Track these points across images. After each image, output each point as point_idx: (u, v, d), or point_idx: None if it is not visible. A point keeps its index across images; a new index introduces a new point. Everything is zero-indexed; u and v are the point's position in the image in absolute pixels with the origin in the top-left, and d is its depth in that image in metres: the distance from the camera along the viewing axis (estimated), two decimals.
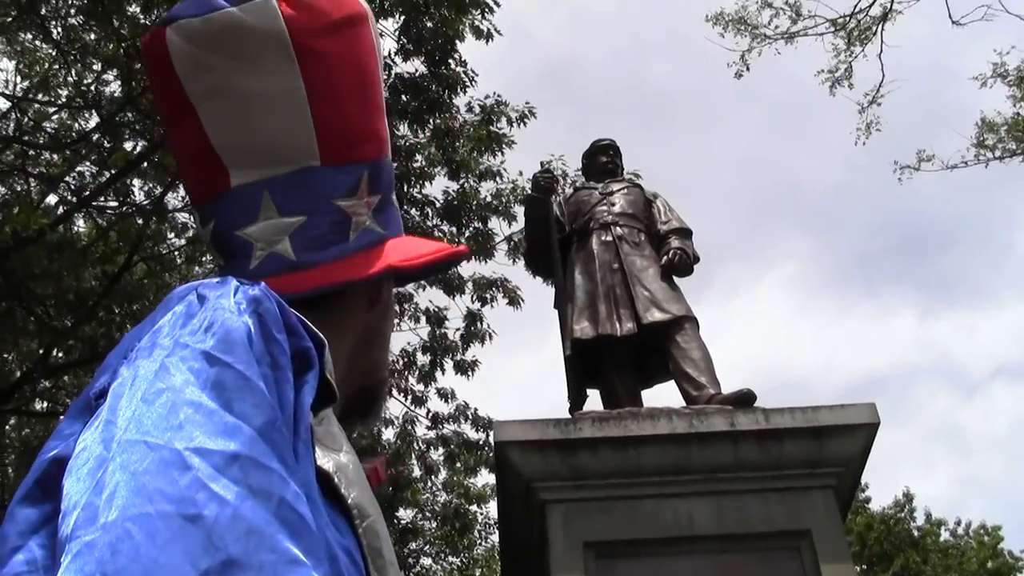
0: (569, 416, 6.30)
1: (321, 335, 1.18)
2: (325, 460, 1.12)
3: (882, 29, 17.77)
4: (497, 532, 10.49)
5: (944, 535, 32.58)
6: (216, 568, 0.81)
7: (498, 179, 14.38)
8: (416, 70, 13.04)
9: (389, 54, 12.83)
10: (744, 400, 6.22)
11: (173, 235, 15.13)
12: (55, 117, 15.33)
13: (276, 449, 0.95)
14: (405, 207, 13.58)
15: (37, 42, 14.38)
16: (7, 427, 16.87)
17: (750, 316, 62.15)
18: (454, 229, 14.11)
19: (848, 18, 18.03)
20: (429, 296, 19.00)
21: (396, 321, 15.24)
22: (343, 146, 1.52)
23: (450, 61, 12.84)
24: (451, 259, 1.62)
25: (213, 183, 1.51)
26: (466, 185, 14.12)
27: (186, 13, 1.45)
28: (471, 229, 14.19)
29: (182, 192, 13.06)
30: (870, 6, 17.78)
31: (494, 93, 13.93)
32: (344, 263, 1.46)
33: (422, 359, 15.10)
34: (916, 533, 31.74)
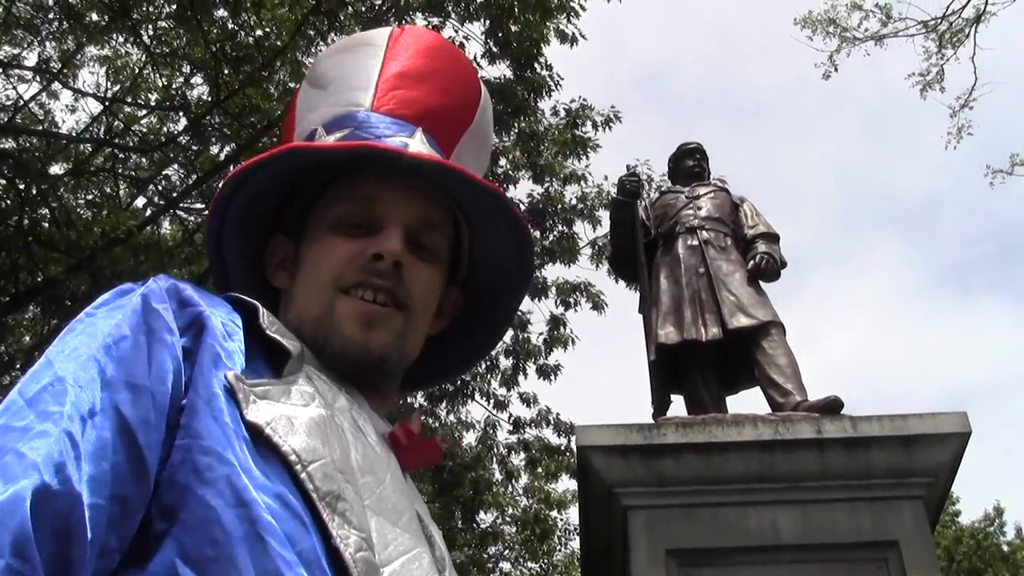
0: (653, 421, 6.25)
1: (252, 302, 1.35)
2: (262, 413, 1.16)
3: (975, 31, 17.51)
4: (577, 538, 10.45)
5: None
6: None
7: (583, 183, 14.33)
8: (502, 74, 13.07)
9: (475, 58, 12.85)
10: (831, 407, 6.13)
11: None
12: (144, 120, 15.52)
13: (36, 405, 1.07)
14: None
15: (128, 46, 14.57)
16: None
17: (841, 323, 61.44)
18: (538, 233, 14.08)
19: (940, 20, 17.80)
20: None
21: None
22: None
23: (535, 65, 12.83)
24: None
25: None
26: (550, 189, 14.09)
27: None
28: (555, 233, 14.16)
29: None
30: (963, 8, 17.53)
31: (579, 97, 13.92)
32: None
33: (504, 363, 15.09)
34: (1006, 548, 31.20)
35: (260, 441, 1.14)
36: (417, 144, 1.60)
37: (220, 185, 1.58)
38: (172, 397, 1.14)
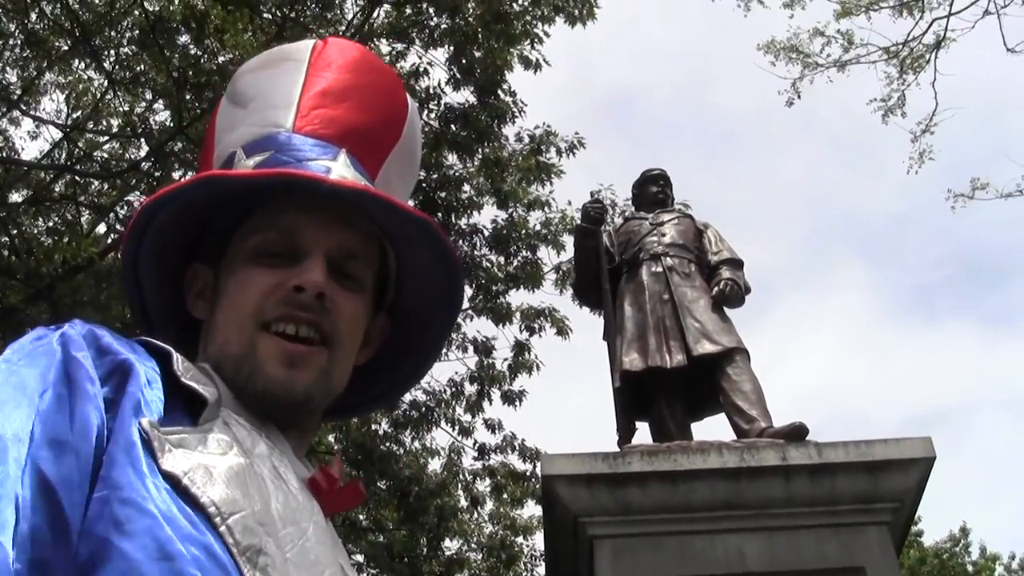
0: (618, 449, 6.23)
1: (166, 348, 1.30)
2: (178, 462, 1.12)
3: (935, 57, 17.65)
4: (544, 565, 10.41)
5: (999, 570, 32.12)
6: None
7: (547, 208, 14.33)
8: (465, 100, 13.08)
9: (438, 84, 12.87)
10: (796, 434, 6.13)
11: None
12: (106, 146, 15.43)
13: None
14: (452, 236, 13.57)
15: (89, 72, 14.51)
16: None
17: (809, 346, 61.68)
18: (502, 258, 14.08)
19: (901, 46, 17.93)
20: (477, 326, 18.96)
21: (444, 351, 15.23)
22: None
23: (499, 91, 12.85)
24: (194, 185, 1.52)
25: None
26: (514, 214, 14.08)
27: None
28: (519, 258, 14.15)
29: None
30: (923, 34, 17.67)
31: (543, 123, 13.94)
32: None
33: (469, 389, 15.03)
34: (971, 568, 31.31)
35: (179, 492, 1.10)
36: (340, 168, 1.56)
37: (133, 214, 1.53)
38: (96, 452, 1.09)
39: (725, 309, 7.18)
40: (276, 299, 1.43)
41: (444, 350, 15.19)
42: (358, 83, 1.77)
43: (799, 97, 18.73)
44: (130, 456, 1.09)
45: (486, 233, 13.92)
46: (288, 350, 1.40)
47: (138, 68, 13.54)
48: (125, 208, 14.42)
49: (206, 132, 1.86)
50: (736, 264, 7.46)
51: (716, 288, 7.17)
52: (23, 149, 17.58)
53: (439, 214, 13.37)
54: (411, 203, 1.92)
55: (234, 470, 1.17)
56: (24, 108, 14.79)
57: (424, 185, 13.25)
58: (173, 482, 1.10)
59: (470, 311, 14.45)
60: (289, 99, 1.70)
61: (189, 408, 1.24)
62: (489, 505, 17.54)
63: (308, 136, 1.63)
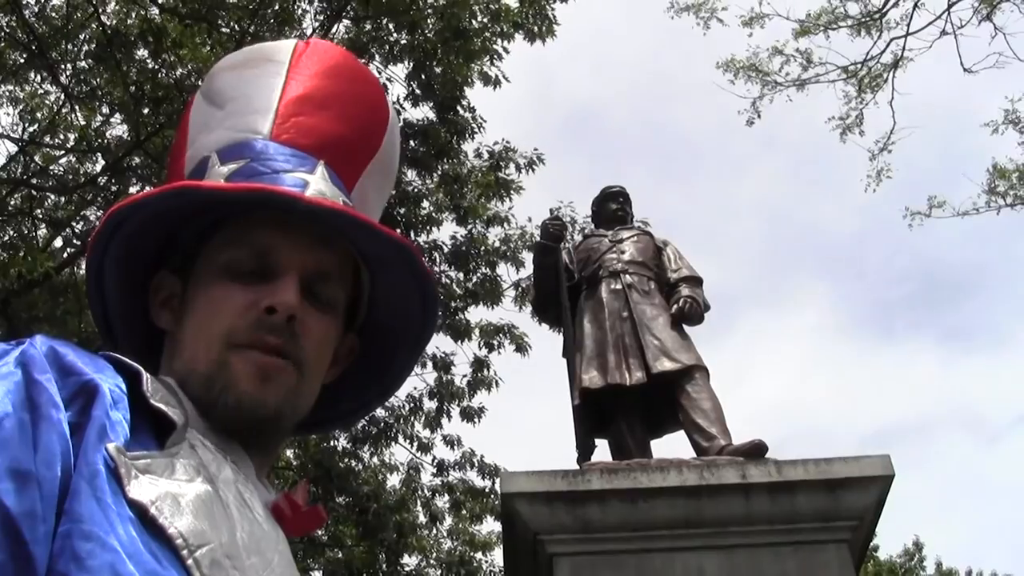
0: (577, 467, 6.22)
1: (135, 366, 1.23)
2: (145, 491, 1.07)
3: (893, 76, 17.76)
4: None
5: None
6: None
7: (506, 225, 14.36)
8: (424, 116, 13.09)
9: (398, 100, 12.84)
10: (756, 451, 6.14)
11: None
12: (62, 161, 15.32)
13: None
14: None
15: (46, 85, 14.40)
16: None
17: (770, 363, 61.96)
18: (461, 275, 14.07)
19: (859, 65, 18.04)
20: (436, 342, 18.90)
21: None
22: None
23: (458, 107, 12.85)
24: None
25: None
26: (474, 231, 14.09)
27: None
28: (479, 275, 14.15)
29: None
30: (881, 53, 17.78)
31: (503, 139, 13.96)
32: None
33: (429, 405, 15.02)
34: None
35: (146, 521, 1.05)
36: (318, 182, 1.51)
37: (100, 220, 1.50)
38: (61, 482, 1.03)
39: (684, 327, 7.18)
40: (248, 321, 1.39)
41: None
42: (339, 91, 1.73)
43: (759, 116, 18.81)
44: (93, 486, 1.04)
45: (445, 249, 13.93)
46: (261, 363, 1.36)
47: (95, 82, 13.45)
48: (82, 223, 14.33)
49: (178, 128, 1.80)
50: (695, 281, 7.47)
51: (675, 306, 7.18)
52: None
53: (398, 230, 13.35)
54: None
55: (202, 499, 1.13)
56: None
57: None
58: (140, 511, 1.05)
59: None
60: (267, 104, 1.65)
61: (155, 429, 1.20)
62: (448, 521, 17.53)
63: (285, 145, 1.59)
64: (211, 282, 1.45)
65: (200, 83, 2.38)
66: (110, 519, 1.02)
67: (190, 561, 1.05)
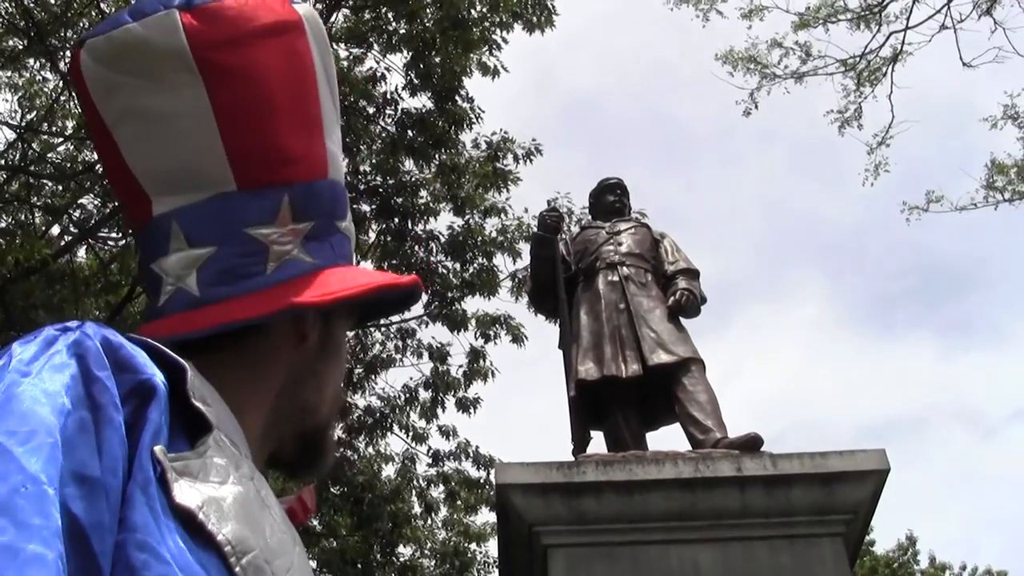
0: (572, 459, 6.21)
1: (181, 361, 1.14)
2: (189, 495, 1.02)
3: (892, 70, 17.75)
4: (497, 573, 10.38)
5: None
6: None
7: (503, 215, 14.34)
8: (423, 106, 13.06)
9: (396, 89, 12.83)
10: (751, 444, 6.13)
11: None
12: (60, 148, 15.30)
13: (14, 515, 0.85)
14: (409, 242, 13.54)
15: (44, 72, 14.38)
16: None
17: (768, 356, 61.98)
18: (458, 265, 14.07)
19: (858, 59, 18.02)
20: (432, 332, 18.93)
21: (398, 357, 15.18)
22: (262, 169, 1.37)
23: (457, 97, 12.83)
24: (388, 290, 1.45)
25: (139, 212, 1.41)
26: (471, 221, 14.07)
27: (95, 33, 1.35)
28: (475, 265, 14.13)
29: None
30: (880, 47, 17.77)
31: (501, 130, 13.94)
32: (254, 297, 1.32)
33: (424, 395, 15.03)
34: None
35: (192, 528, 1.00)
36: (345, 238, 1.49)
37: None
38: (123, 491, 0.97)
39: (681, 319, 7.18)
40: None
41: (399, 356, 15.24)
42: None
43: (756, 107, 18.79)
44: (147, 494, 0.98)
45: (442, 239, 13.92)
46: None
47: None
48: (79, 211, 14.31)
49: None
50: (692, 274, 7.47)
51: (672, 298, 7.17)
52: None
53: (396, 220, 13.35)
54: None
55: (239, 502, 1.08)
56: None
57: (381, 190, 13.22)
58: (187, 518, 1.00)
59: (425, 317, 14.44)
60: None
61: (188, 427, 1.13)
62: (443, 512, 17.56)
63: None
64: (342, 339, 1.47)
65: None
66: (160, 527, 0.97)
67: (238, 569, 1.01)
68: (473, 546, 19.02)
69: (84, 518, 0.90)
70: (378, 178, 13.39)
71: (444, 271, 14.05)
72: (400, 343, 15.16)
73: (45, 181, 14.44)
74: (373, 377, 15.15)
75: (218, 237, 1.34)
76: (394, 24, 12.88)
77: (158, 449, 1.01)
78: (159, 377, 1.07)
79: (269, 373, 1.35)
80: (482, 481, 15.52)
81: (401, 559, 17.47)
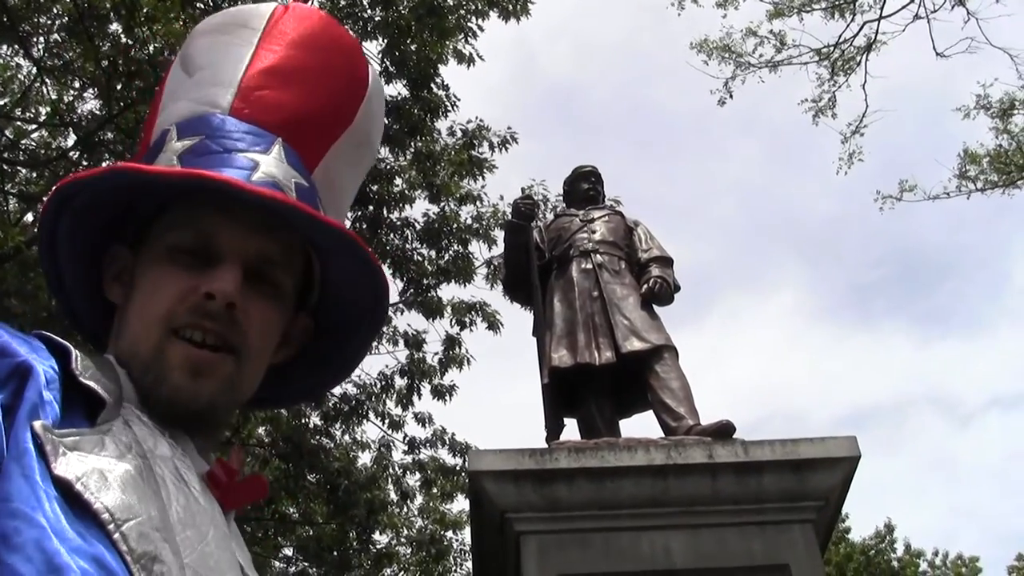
0: (545, 446, 6.23)
1: (64, 344, 1.23)
2: (73, 467, 1.07)
3: (866, 59, 17.82)
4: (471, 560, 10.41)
5: (923, 566, 32.53)
6: None
7: (478, 203, 14.34)
8: (398, 93, 13.05)
9: None
10: (723, 432, 6.15)
11: None
12: (34, 135, 15.23)
13: None
14: (384, 230, 13.53)
15: (17, 58, 14.31)
16: None
17: (745, 344, 62.17)
18: (433, 252, 14.07)
19: (832, 48, 18.07)
20: (408, 319, 18.92)
21: (374, 344, 15.17)
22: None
23: (432, 85, 12.83)
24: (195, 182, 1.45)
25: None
26: (446, 208, 14.08)
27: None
28: (451, 252, 14.14)
29: None
30: (854, 36, 17.83)
31: (476, 118, 13.95)
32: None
33: (400, 382, 15.01)
34: (896, 564, 31.68)
35: (71, 498, 1.05)
36: (269, 163, 1.51)
37: (49, 193, 1.48)
38: None
39: (654, 307, 7.20)
40: (187, 305, 1.38)
41: (375, 343, 15.21)
42: (310, 61, 1.70)
43: (731, 97, 18.84)
44: (21, 464, 1.04)
45: (418, 227, 13.93)
46: (194, 358, 1.36)
47: (67, 56, 13.37)
48: None
49: (156, 93, 1.78)
50: (666, 262, 7.48)
51: (645, 286, 7.19)
52: None
53: (371, 207, 13.33)
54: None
55: (131, 473, 1.13)
56: None
57: None
58: (65, 488, 1.05)
59: (401, 304, 14.42)
60: (232, 76, 1.63)
61: (88, 407, 1.20)
62: (419, 499, 17.57)
63: (245, 121, 1.57)
64: (156, 262, 1.45)
65: (172, 58, 2.37)
66: (37, 496, 1.02)
67: (116, 535, 1.05)
68: (449, 534, 19.06)
69: None
70: None
71: (419, 258, 14.05)
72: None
73: (19, 168, 14.38)
74: None
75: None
76: (369, 11, 12.86)
77: (38, 424, 1.08)
78: (37, 359, 1.15)
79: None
80: (458, 469, 15.52)
81: (377, 547, 17.49)
